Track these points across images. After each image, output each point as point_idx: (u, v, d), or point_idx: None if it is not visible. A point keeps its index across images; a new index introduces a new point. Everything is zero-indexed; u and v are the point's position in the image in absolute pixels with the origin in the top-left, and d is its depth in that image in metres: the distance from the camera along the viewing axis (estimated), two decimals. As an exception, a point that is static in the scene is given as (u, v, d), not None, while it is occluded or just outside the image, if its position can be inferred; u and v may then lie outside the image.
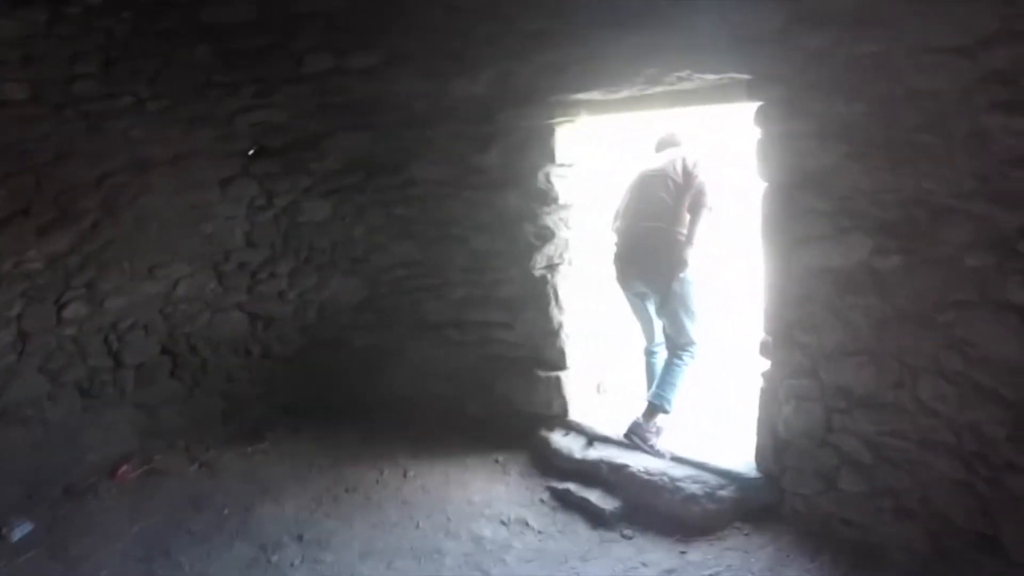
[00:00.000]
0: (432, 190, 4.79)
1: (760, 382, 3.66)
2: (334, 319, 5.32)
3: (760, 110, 3.37)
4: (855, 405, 3.29)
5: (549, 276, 4.51)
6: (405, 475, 4.58)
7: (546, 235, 4.45)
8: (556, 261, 4.53)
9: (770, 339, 3.54)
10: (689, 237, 3.93)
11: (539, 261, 4.48)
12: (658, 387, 4.16)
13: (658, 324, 4.23)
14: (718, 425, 4.35)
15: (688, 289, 3.98)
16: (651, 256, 4.02)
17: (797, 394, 3.45)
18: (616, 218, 4.25)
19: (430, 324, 5.07)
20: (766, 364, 3.63)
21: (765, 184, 3.43)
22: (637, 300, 4.26)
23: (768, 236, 3.42)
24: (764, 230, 3.44)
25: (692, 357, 4.11)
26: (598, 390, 4.74)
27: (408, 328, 5.18)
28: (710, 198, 3.94)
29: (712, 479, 3.84)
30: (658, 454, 4.05)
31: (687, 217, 3.95)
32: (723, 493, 3.78)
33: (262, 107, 4.69)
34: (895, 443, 3.21)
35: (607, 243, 4.35)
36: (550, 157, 4.29)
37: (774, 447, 3.63)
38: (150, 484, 4.74)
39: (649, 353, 4.39)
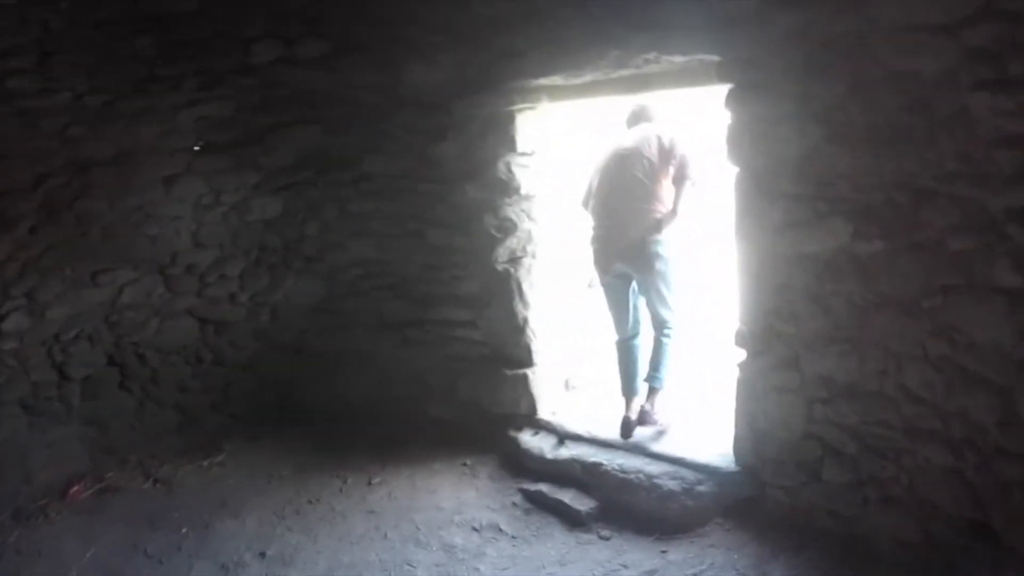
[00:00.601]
0: (388, 184, 4.51)
1: (737, 373, 3.51)
2: (289, 322, 5.04)
3: (731, 93, 3.18)
4: (838, 395, 3.15)
5: (512, 270, 4.28)
6: (370, 483, 4.33)
7: (508, 227, 4.21)
8: (519, 254, 4.30)
9: (746, 329, 3.38)
10: (673, 209, 3.80)
11: (501, 255, 4.25)
12: (652, 368, 3.98)
13: (639, 311, 4.07)
14: (694, 416, 4.18)
15: (669, 265, 3.85)
16: (629, 234, 3.83)
17: (777, 385, 3.30)
18: (589, 198, 4.05)
19: (390, 325, 4.80)
20: (742, 354, 3.48)
21: (737, 170, 3.26)
22: (617, 283, 4.03)
23: (742, 223, 3.25)
24: (738, 217, 3.26)
25: (675, 332, 3.95)
26: (566, 387, 4.54)
27: (367, 329, 4.91)
28: (693, 171, 3.77)
29: (690, 474, 3.68)
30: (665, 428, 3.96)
31: (664, 194, 3.80)
32: (702, 489, 3.62)
33: (207, 100, 4.42)
34: (880, 432, 3.08)
35: (577, 229, 4.15)
36: (510, 146, 4.05)
37: (753, 439, 3.49)
38: (103, 504, 4.41)
39: (624, 345, 4.11)
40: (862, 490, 3.20)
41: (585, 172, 4.16)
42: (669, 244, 3.83)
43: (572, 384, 4.51)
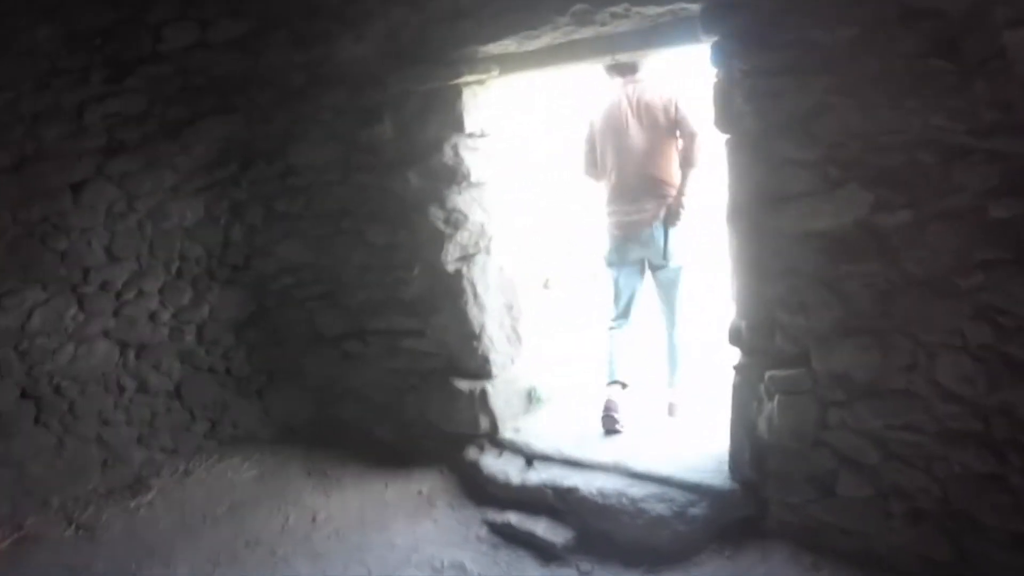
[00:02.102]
0: (317, 177, 3.81)
1: (732, 376, 2.91)
2: (217, 341, 4.34)
3: (717, 46, 2.60)
4: (857, 396, 2.58)
5: (464, 270, 3.60)
6: (314, 519, 3.61)
7: (458, 220, 3.54)
8: (472, 251, 3.63)
9: (743, 323, 2.78)
10: (681, 193, 3.54)
11: (451, 252, 3.58)
12: (671, 369, 3.73)
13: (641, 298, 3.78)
14: (682, 424, 3.61)
15: (685, 254, 3.64)
16: (648, 222, 3.56)
17: (782, 387, 2.70)
18: (592, 167, 3.72)
19: (327, 338, 4.08)
20: (738, 354, 2.89)
21: (728, 136, 2.68)
22: (632, 269, 3.72)
23: (736, 198, 2.65)
24: (731, 191, 2.67)
25: (689, 325, 3.72)
26: (530, 399, 3.88)
27: (303, 344, 4.19)
28: (701, 155, 3.47)
29: (680, 495, 3.05)
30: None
31: (674, 174, 3.54)
32: (695, 511, 3.00)
33: (117, 94, 3.81)
34: (907, 437, 2.53)
35: (532, 219, 3.53)
36: (457, 126, 3.38)
37: (753, 451, 2.89)
38: (20, 556, 3.64)
39: (620, 331, 3.77)
40: (884, 504, 2.64)
41: (577, 136, 3.74)
42: (682, 232, 3.59)
43: (537, 395, 3.84)
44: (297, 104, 3.71)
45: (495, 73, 3.31)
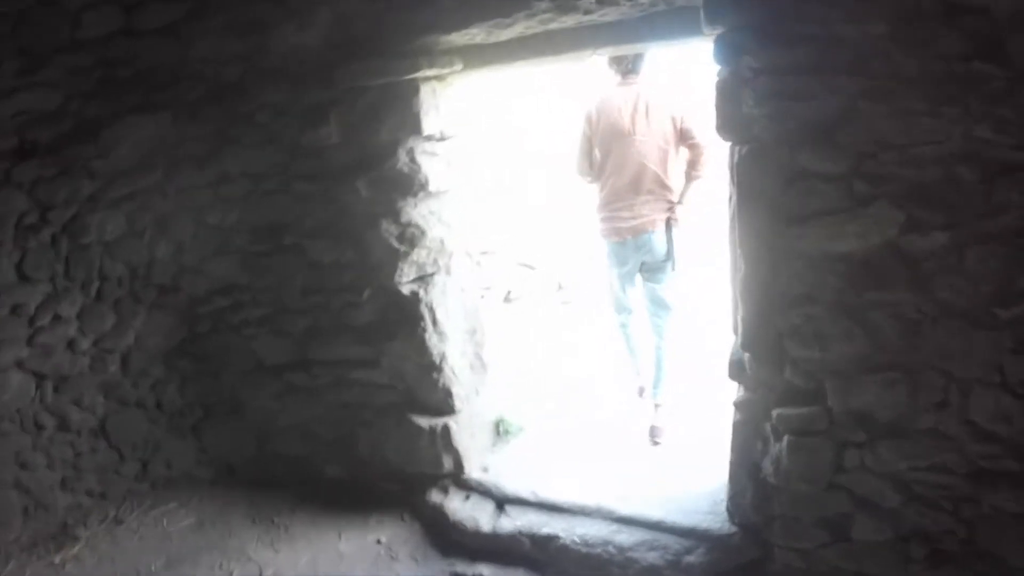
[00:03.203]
0: (254, 186, 3.26)
1: (733, 414, 2.56)
2: (145, 372, 3.76)
3: (724, 40, 2.21)
4: (879, 436, 2.27)
5: (422, 292, 3.13)
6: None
7: (414, 236, 3.07)
8: (430, 271, 3.16)
9: (748, 356, 2.43)
10: (681, 201, 3.44)
11: (406, 272, 3.10)
12: (656, 385, 3.61)
13: (638, 292, 3.66)
14: (675, 459, 3.26)
15: (680, 260, 3.50)
16: (647, 228, 3.42)
17: (793, 427, 2.36)
18: (590, 169, 3.54)
19: (269, 367, 3.54)
20: (740, 389, 2.54)
21: (733, 143, 2.32)
22: (629, 271, 3.59)
23: (744, 214, 2.27)
24: (738, 207, 2.30)
25: (672, 321, 3.60)
26: (499, 431, 3.45)
27: (241, 375, 3.64)
28: (705, 168, 3.35)
29: (673, 542, 2.70)
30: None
31: (675, 179, 3.41)
32: (691, 559, 2.65)
33: (30, 88, 3.18)
34: (933, 479, 2.25)
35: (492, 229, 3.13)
36: (414, 128, 2.90)
37: (756, 494, 2.54)
38: None
39: (627, 327, 3.75)
40: (904, 547, 2.38)
41: (572, 133, 3.52)
42: (682, 238, 3.48)
43: (507, 428, 3.41)
44: (232, 102, 3.15)
45: (458, 68, 2.85)
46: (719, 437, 3.01)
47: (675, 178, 3.43)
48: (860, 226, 2.12)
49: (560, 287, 5.13)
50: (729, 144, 2.33)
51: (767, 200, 2.20)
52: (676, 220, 3.43)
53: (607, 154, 3.43)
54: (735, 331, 2.49)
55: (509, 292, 4.78)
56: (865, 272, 2.16)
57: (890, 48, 2.03)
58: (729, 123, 2.25)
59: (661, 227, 3.42)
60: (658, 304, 3.57)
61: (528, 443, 3.45)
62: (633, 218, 3.41)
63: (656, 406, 3.55)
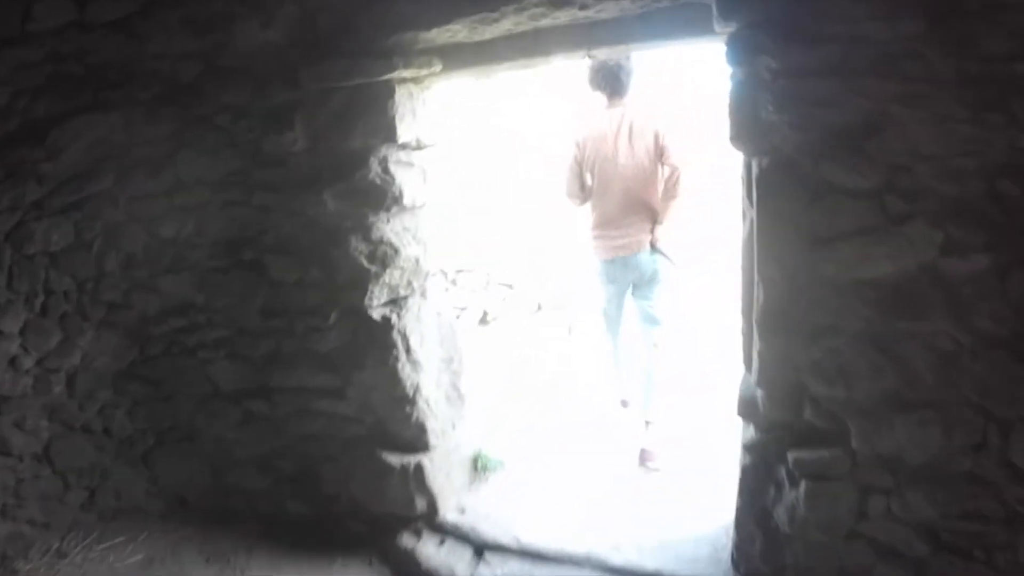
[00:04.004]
0: (211, 196, 2.92)
1: (742, 456, 2.28)
2: (92, 394, 3.38)
3: (738, 39, 1.97)
4: (909, 481, 2.01)
5: (394, 317, 2.81)
6: (215, 628, 2.75)
7: (386, 255, 2.75)
8: (403, 293, 2.84)
9: (761, 393, 2.16)
10: (665, 223, 3.42)
11: (377, 295, 2.78)
12: (646, 402, 3.52)
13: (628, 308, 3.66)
14: (665, 491, 3.00)
15: (668, 279, 3.54)
16: (635, 249, 3.44)
17: (811, 471, 2.09)
18: (579, 191, 3.55)
19: (225, 394, 3.18)
20: (750, 429, 2.26)
21: (749, 155, 2.06)
22: (622, 291, 3.59)
23: (764, 236, 2.01)
24: (758, 226, 2.02)
25: (662, 335, 3.59)
26: (477, 467, 3.12)
27: (195, 401, 3.27)
28: (683, 187, 3.35)
29: (673, 595, 2.42)
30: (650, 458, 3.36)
31: (659, 201, 3.41)
32: (693, 616, 2.38)
33: None
34: (966, 526, 2.00)
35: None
36: (388, 134, 2.59)
37: (767, 542, 2.25)
38: None
39: (616, 346, 3.72)
40: (929, 597, 2.11)
41: (560, 156, 3.56)
42: (669, 257, 3.48)
43: (486, 464, 3.09)
44: (189, 103, 2.82)
45: (437, 69, 2.55)
46: (714, 465, 2.86)
47: (660, 199, 3.44)
48: (893, 248, 1.87)
49: (540, 307, 4.87)
50: (744, 156, 2.08)
51: (789, 219, 1.94)
52: (661, 241, 3.42)
53: (595, 178, 3.46)
54: (747, 365, 2.22)
55: (486, 313, 4.49)
56: (897, 300, 1.91)
57: (925, 48, 1.80)
58: (744, 131, 1.99)
59: (648, 247, 3.42)
60: (648, 320, 3.56)
61: (509, 479, 3.12)
62: (622, 237, 3.43)
63: (647, 423, 3.48)
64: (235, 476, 3.32)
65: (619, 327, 3.66)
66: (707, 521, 2.61)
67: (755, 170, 1.97)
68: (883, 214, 1.87)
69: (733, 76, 2.03)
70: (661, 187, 3.41)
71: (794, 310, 2.00)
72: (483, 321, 4.55)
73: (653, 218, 3.41)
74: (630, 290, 3.55)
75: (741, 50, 1.98)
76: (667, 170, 3.36)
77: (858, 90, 1.84)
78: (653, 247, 3.41)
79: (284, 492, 3.22)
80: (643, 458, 3.36)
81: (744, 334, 2.20)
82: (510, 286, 4.65)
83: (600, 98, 3.44)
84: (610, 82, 3.37)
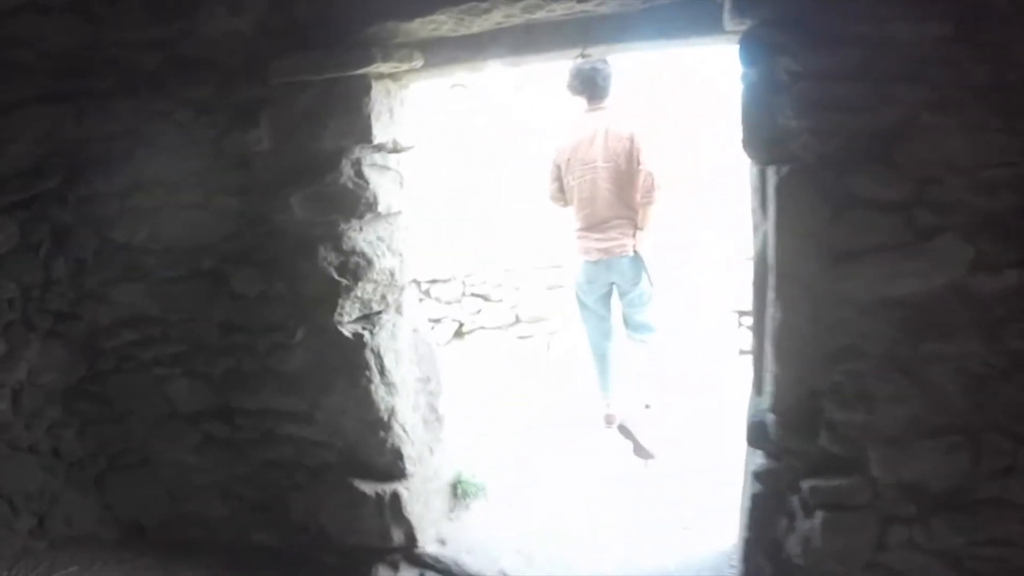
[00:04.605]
0: (169, 198, 2.63)
1: (751, 484, 2.12)
2: (39, 412, 3.03)
3: (753, 37, 1.80)
4: (932, 510, 1.89)
5: (367, 334, 2.55)
6: None
7: (358, 267, 2.49)
8: (377, 308, 2.58)
9: (773, 418, 2.01)
10: (642, 227, 3.41)
11: (348, 310, 2.52)
12: (641, 388, 3.62)
13: (616, 317, 3.66)
14: (661, 508, 2.84)
15: (650, 280, 3.49)
16: (616, 252, 3.41)
17: (828, 501, 1.94)
18: (560, 195, 3.53)
19: (183, 416, 2.88)
20: (760, 456, 2.09)
21: (763, 164, 1.91)
22: (604, 295, 3.57)
23: (784, 252, 1.84)
24: (777, 241, 1.85)
25: (654, 343, 3.64)
26: (457, 494, 2.90)
27: (151, 422, 2.95)
28: (658, 192, 3.32)
29: (674, 634, 2.25)
30: (648, 455, 3.39)
31: (636, 204, 3.37)
32: (696, 655, 2.21)
33: None
34: (992, 553, 1.90)
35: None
36: (363, 135, 2.34)
37: (778, 574, 2.13)
38: None
39: (602, 353, 3.64)
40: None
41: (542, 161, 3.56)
42: (648, 259, 3.45)
43: (466, 490, 2.86)
44: (148, 96, 2.52)
45: (418, 64, 2.31)
46: (712, 485, 2.77)
47: (637, 203, 3.40)
48: (922, 264, 1.74)
49: (517, 320, 4.64)
50: (755, 164, 1.92)
51: (809, 233, 1.79)
52: (642, 244, 3.41)
53: (574, 182, 3.42)
54: (756, 388, 2.07)
55: (461, 325, 4.25)
56: (924, 319, 1.77)
57: (957, 52, 1.67)
58: (759, 138, 1.83)
59: (631, 251, 3.39)
60: (636, 327, 3.57)
61: (492, 504, 2.90)
62: (605, 240, 3.41)
63: (645, 407, 3.57)
64: (195, 503, 3.02)
65: (604, 335, 3.60)
66: (706, 549, 2.45)
67: (772, 179, 1.81)
68: (911, 228, 1.74)
69: (745, 77, 1.86)
70: (635, 193, 3.37)
71: (813, 331, 1.85)
72: (458, 334, 4.32)
73: (635, 222, 3.39)
74: (614, 296, 3.53)
75: (756, 50, 1.82)
76: (640, 177, 3.31)
77: (885, 95, 1.70)
78: (636, 252, 3.38)
79: (249, 521, 2.93)
80: (608, 421, 3.51)
81: (755, 355, 2.04)
82: (486, 297, 4.45)
83: (580, 104, 3.38)
84: (587, 86, 3.31)
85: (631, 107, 3.62)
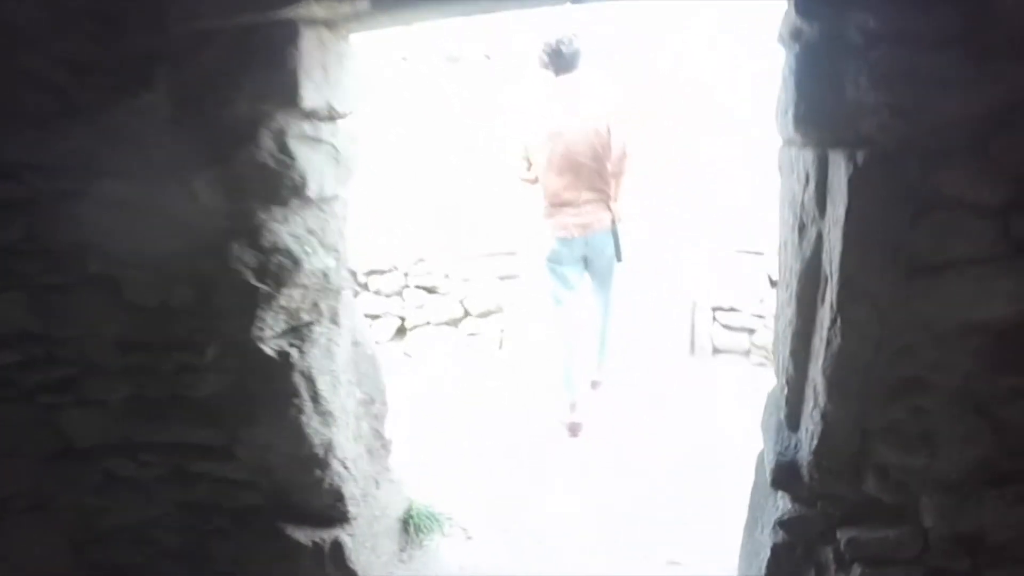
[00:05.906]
0: (45, 185, 1.95)
1: (774, 532, 1.75)
2: None
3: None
4: (988, 564, 1.57)
5: (295, 352, 2.00)
6: None
7: (282, 268, 1.93)
8: (307, 319, 2.04)
9: (812, 460, 1.64)
10: (616, 199, 3.39)
11: (270, 323, 1.96)
12: (599, 361, 3.61)
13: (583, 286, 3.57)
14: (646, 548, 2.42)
15: (619, 253, 3.45)
16: (591, 227, 3.35)
17: (871, 553, 1.60)
18: (527, 171, 3.41)
19: (79, 451, 2.24)
20: (787, 501, 1.73)
21: (828, 147, 1.49)
22: (576, 267, 3.47)
23: (851, 260, 1.41)
24: (844, 246, 1.41)
25: (614, 313, 3.62)
26: (409, 530, 2.35)
27: (42, 458, 2.27)
28: (631, 162, 3.33)
29: None
30: (576, 431, 3.32)
31: (610, 178, 3.34)
32: None
33: None
34: (1047, 609, 1.62)
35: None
36: (287, 97, 1.76)
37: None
38: None
39: (569, 321, 3.49)
40: None
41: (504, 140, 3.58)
42: (621, 233, 3.43)
43: (419, 522, 2.38)
44: (14, 54, 1.82)
45: (363, 6, 1.72)
46: (694, 508, 2.61)
47: (611, 177, 3.36)
48: (1015, 283, 1.39)
49: (467, 314, 4.12)
50: (811, 146, 1.50)
51: (885, 238, 1.38)
52: (617, 218, 3.38)
53: (547, 156, 3.28)
54: (790, 424, 1.69)
55: (403, 321, 3.70)
56: (1007, 348, 1.42)
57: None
58: (821, 113, 1.40)
59: (607, 225, 3.35)
60: (603, 291, 3.53)
61: (449, 540, 2.43)
62: (579, 216, 3.32)
63: (594, 383, 3.53)
64: (103, 551, 2.39)
65: (571, 317, 3.46)
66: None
67: (843, 167, 1.38)
68: (1006, 239, 1.37)
69: (799, 35, 1.43)
70: (609, 167, 3.31)
71: (873, 359, 1.49)
72: (400, 331, 3.77)
73: (608, 194, 3.33)
74: (584, 276, 3.45)
75: (813, 5, 1.40)
76: (613, 150, 3.26)
77: (988, 71, 1.32)
78: (613, 225, 3.33)
79: (167, 570, 2.36)
80: (594, 387, 3.51)
81: (790, 386, 1.65)
82: (431, 290, 3.89)
83: (547, 75, 3.28)
84: (554, 59, 3.22)
85: (605, 81, 3.48)
